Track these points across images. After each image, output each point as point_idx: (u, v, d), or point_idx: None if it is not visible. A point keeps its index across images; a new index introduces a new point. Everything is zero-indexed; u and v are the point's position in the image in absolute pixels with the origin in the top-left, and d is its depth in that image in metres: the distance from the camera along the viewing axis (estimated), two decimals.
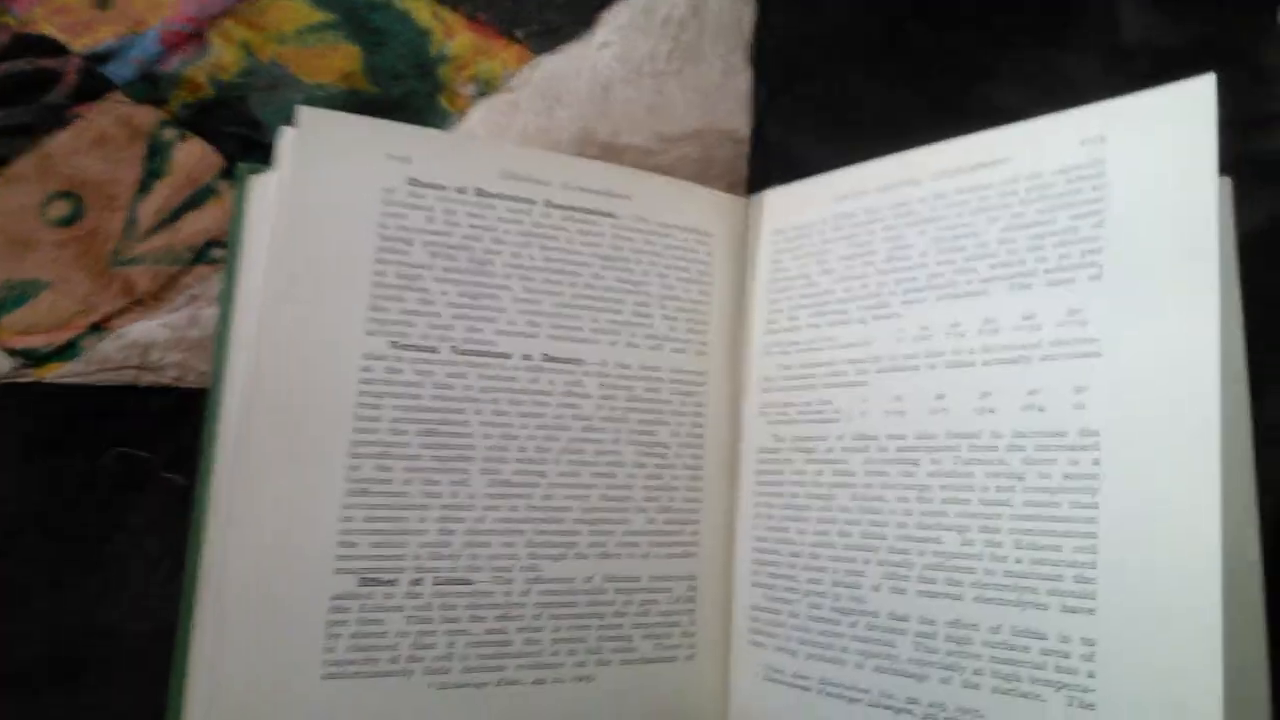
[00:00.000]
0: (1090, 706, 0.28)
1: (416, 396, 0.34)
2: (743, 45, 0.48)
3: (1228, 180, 0.30)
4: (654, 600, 0.36)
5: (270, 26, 0.44)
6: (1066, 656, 0.28)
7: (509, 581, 0.34)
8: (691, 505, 0.37)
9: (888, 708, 0.32)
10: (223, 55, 0.43)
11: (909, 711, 0.32)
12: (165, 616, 0.33)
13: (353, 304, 0.33)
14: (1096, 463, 0.29)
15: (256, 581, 0.31)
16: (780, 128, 0.46)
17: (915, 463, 0.33)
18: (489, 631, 0.33)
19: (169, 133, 0.42)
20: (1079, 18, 0.45)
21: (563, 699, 0.34)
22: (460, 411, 0.34)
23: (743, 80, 0.47)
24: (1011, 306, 0.32)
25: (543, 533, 0.35)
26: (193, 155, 0.42)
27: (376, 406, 0.33)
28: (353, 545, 0.32)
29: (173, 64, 0.43)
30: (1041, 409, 0.30)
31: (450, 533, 0.33)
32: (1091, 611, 0.28)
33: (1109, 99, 0.31)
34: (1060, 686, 0.28)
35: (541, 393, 0.35)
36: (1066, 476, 0.29)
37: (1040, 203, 0.32)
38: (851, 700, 0.33)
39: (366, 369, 0.33)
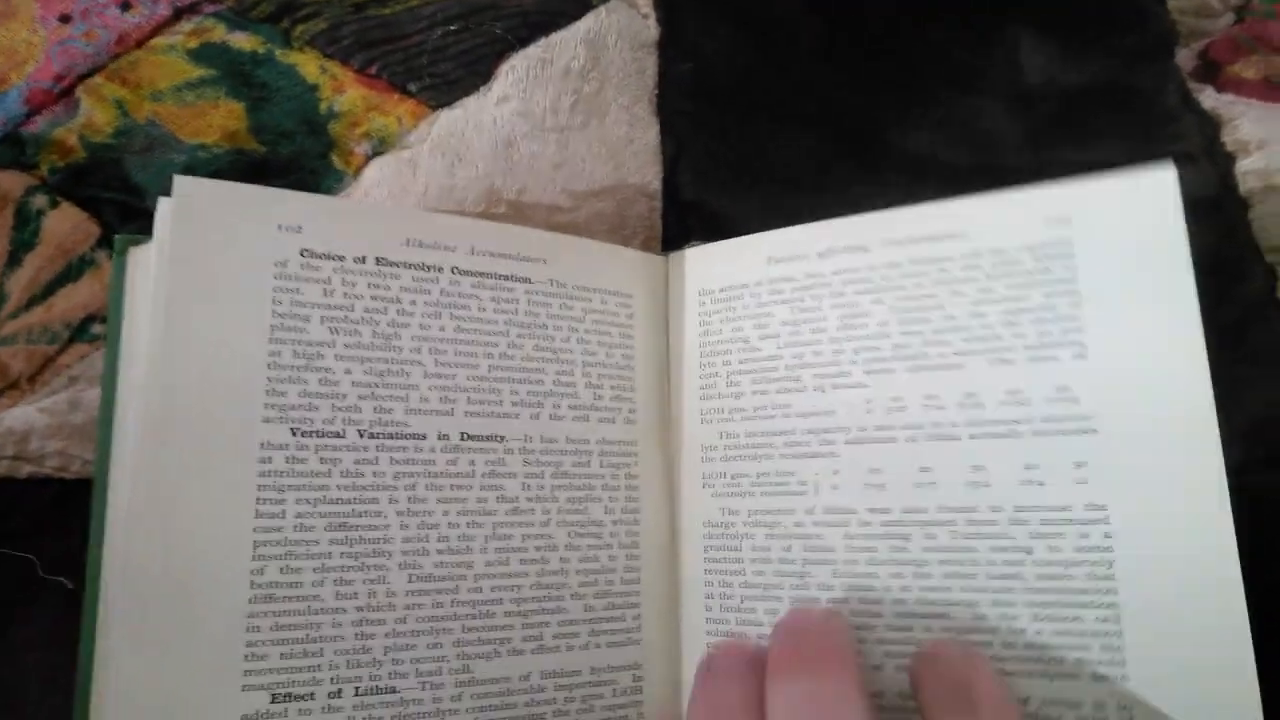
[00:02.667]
0: None
1: (323, 487, 0.31)
2: (647, 96, 0.48)
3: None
4: (598, 694, 0.34)
5: (145, 83, 0.42)
6: None
7: (439, 686, 0.32)
8: (630, 588, 0.36)
9: None
10: (94, 115, 0.41)
11: None
12: None
13: (247, 389, 0.31)
14: (1108, 535, 0.30)
15: (157, 703, 0.28)
16: (692, 181, 0.46)
17: (906, 537, 0.33)
18: None
19: (38, 199, 0.39)
20: (984, 61, 0.47)
21: None
22: (374, 501, 0.32)
23: (650, 133, 0.47)
24: (994, 381, 0.32)
25: (472, 630, 0.33)
26: (65, 224, 0.39)
27: (279, 501, 0.31)
28: (261, 658, 0.30)
29: (39, 125, 0.40)
30: (1041, 484, 0.31)
31: (369, 637, 0.31)
32: (1124, 678, 0.29)
33: (1065, 177, 0.33)
34: None
35: (461, 475, 0.34)
36: (1078, 550, 0.30)
37: (1008, 279, 0.33)
38: None
39: (266, 459, 0.31)
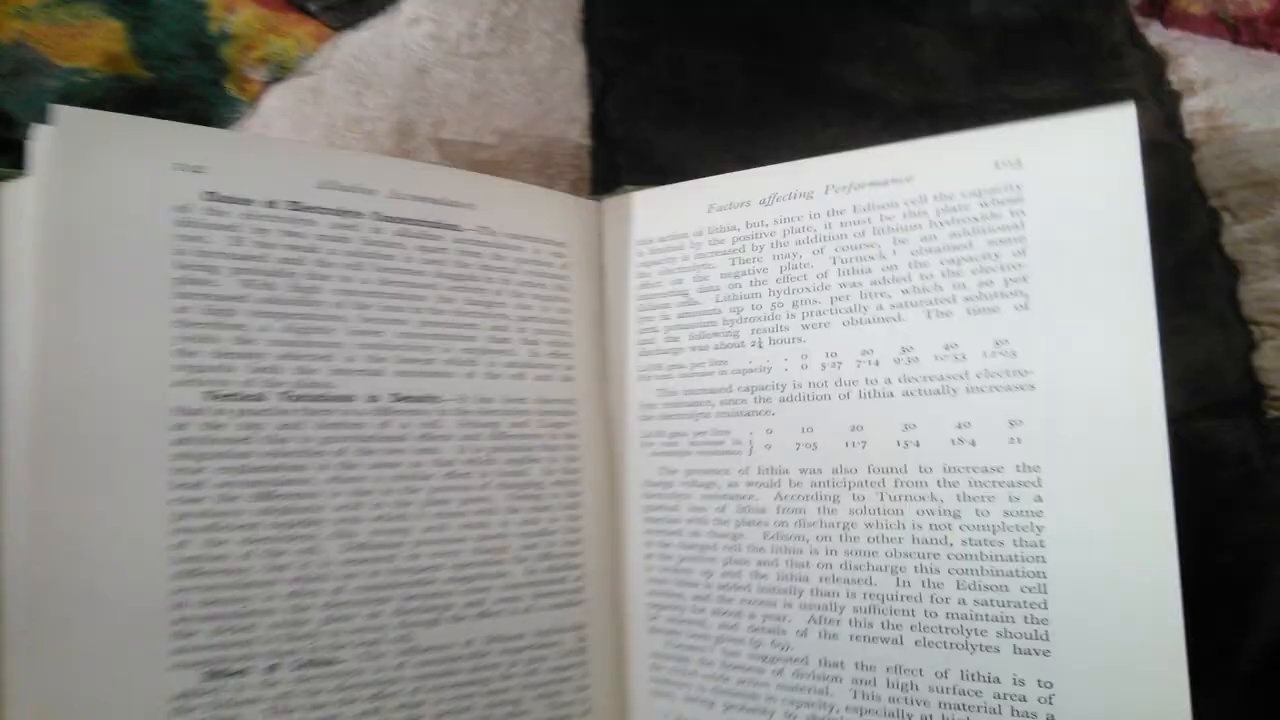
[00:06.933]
0: None
1: (245, 455, 0.31)
2: (573, 21, 0.47)
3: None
4: (542, 657, 0.36)
5: None
6: (1023, 700, 0.30)
7: (379, 656, 0.33)
8: (572, 549, 0.37)
9: None
10: None
11: None
12: None
13: (152, 349, 0.31)
14: (1039, 499, 0.31)
15: (76, 687, 0.28)
16: (622, 115, 0.46)
17: (835, 499, 0.34)
18: (363, 715, 0.32)
19: None
20: None
21: None
22: (300, 468, 0.32)
23: (576, 61, 0.47)
24: (930, 334, 0.33)
25: (412, 597, 0.34)
26: None
27: (198, 470, 0.31)
28: (190, 635, 0.30)
29: None
30: (973, 443, 0.32)
31: (305, 609, 0.32)
32: (1047, 653, 0.30)
33: (1021, 121, 0.33)
34: None
35: (394, 438, 0.34)
36: (1007, 514, 0.31)
37: (953, 225, 0.33)
38: None
39: (180, 426, 0.31)
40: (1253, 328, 0.38)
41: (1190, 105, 0.41)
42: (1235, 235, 0.39)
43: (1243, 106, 0.39)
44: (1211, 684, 0.31)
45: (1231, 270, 0.39)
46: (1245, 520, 0.37)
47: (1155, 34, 0.42)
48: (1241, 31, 0.41)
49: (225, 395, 0.31)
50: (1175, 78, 0.41)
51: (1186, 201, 0.40)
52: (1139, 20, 0.43)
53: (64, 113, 0.30)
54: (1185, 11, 0.42)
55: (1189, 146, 0.40)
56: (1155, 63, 0.42)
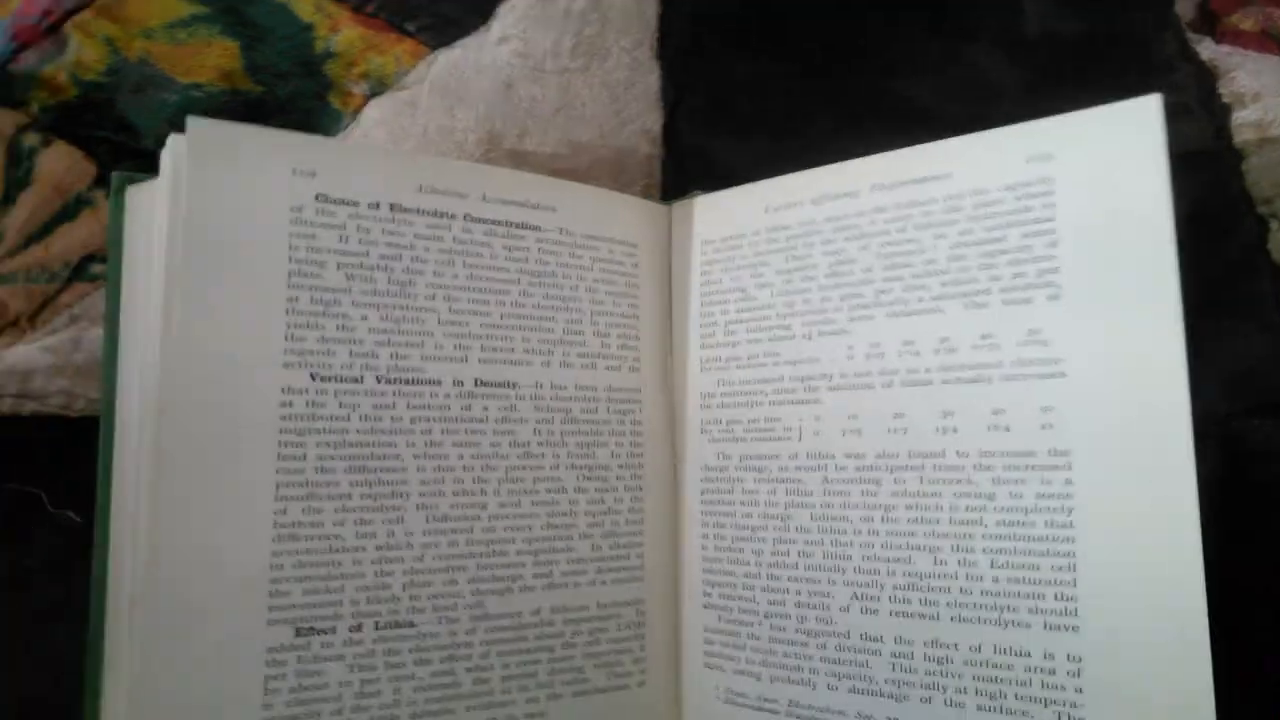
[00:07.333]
0: None
1: (343, 431, 0.35)
2: (649, 39, 0.50)
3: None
4: (603, 628, 0.39)
5: (134, 20, 0.44)
6: (1053, 674, 0.32)
7: (454, 621, 0.36)
8: (634, 528, 0.40)
9: None
10: (84, 52, 0.43)
11: None
12: (68, 680, 0.33)
13: (266, 333, 0.34)
14: (1069, 482, 0.32)
15: (179, 638, 0.31)
16: (692, 127, 0.49)
17: (877, 482, 0.36)
18: (436, 674, 0.35)
19: (30, 138, 0.42)
20: (981, 8, 0.50)
21: None
22: (391, 445, 0.36)
23: (650, 77, 0.50)
24: (968, 325, 0.35)
25: (486, 567, 0.37)
26: (60, 163, 0.42)
27: (300, 444, 0.34)
28: (285, 594, 0.33)
29: (28, 62, 0.42)
30: (1007, 429, 0.34)
31: (389, 574, 0.35)
32: (1076, 629, 0.32)
33: (1053, 116, 0.35)
34: (1049, 703, 0.32)
35: (476, 420, 0.37)
36: (1039, 496, 0.33)
37: (989, 220, 0.35)
38: None
39: (286, 404, 0.34)
40: None
41: (1240, 117, 0.42)
42: None
43: None
44: (1246, 674, 0.32)
45: (1277, 275, 0.40)
46: None
47: (1206, 49, 0.44)
48: None
49: (327, 377, 0.35)
50: (1226, 91, 0.43)
51: (1235, 209, 0.41)
52: (1191, 36, 0.45)
53: (196, 123, 0.34)
54: (1236, 28, 0.44)
55: (1238, 156, 0.42)
56: (1206, 77, 0.43)
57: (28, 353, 0.40)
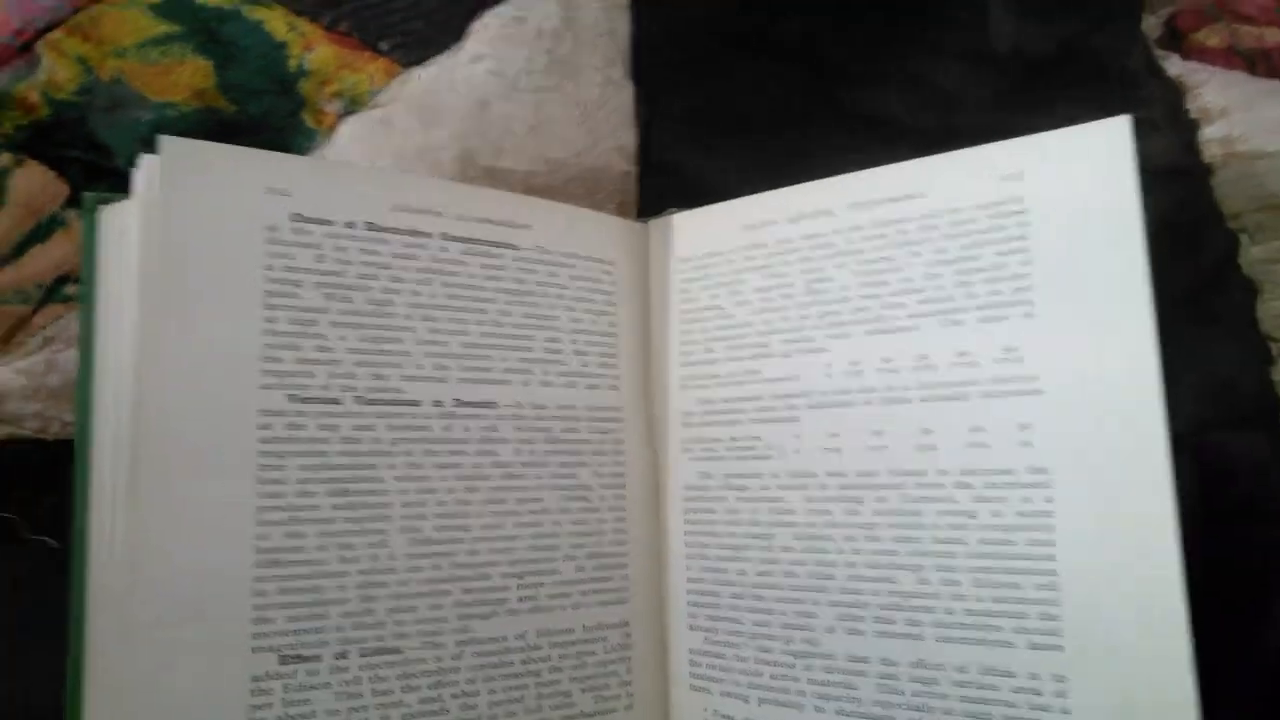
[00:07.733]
0: None
1: (323, 454, 0.34)
2: (621, 57, 0.51)
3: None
4: (590, 651, 0.38)
5: (107, 39, 0.44)
6: (1038, 694, 0.32)
7: (440, 646, 0.35)
8: (619, 549, 0.40)
9: None
10: (56, 71, 0.43)
11: None
12: (48, 706, 0.33)
13: (243, 355, 0.34)
14: (1049, 500, 0.32)
15: (162, 668, 0.31)
16: (667, 144, 0.49)
17: (859, 500, 0.36)
18: (424, 701, 0.35)
19: (3, 158, 0.41)
20: (950, 23, 0.51)
21: None
22: (372, 467, 0.35)
23: (623, 94, 0.50)
24: (945, 343, 0.35)
25: (470, 591, 0.36)
26: (33, 183, 0.41)
27: (280, 467, 0.34)
28: (269, 621, 0.33)
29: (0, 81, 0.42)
30: (986, 446, 0.34)
31: (373, 599, 0.34)
32: (1060, 648, 0.32)
33: (1024, 136, 0.35)
34: None
35: (457, 441, 0.37)
36: (1020, 514, 0.33)
37: (963, 238, 0.36)
38: None
39: (265, 426, 0.34)
40: (1270, 344, 0.40)
41: (1208, 132, 0.43)
42: (1252, 256, 0.41)
43: (1258, 133, 0.42)
44: (1229, 688, 0.33)
45: (1249, 289, 0.41)
46: (1262, 529, 0.39)
47: (1174, 65, 0.45)
48: (1257, 63, 0.43)
49: (306, 399, 0.34)
50: (1193, 106, 0.44)
51: (1205, 223, 0.42)
52: (1158, 52, 0.45)
53: (168, 142, 0.33)
54: (1203, 45, 0.45)
55: (1207, 171, 0.42)
56: (1174, 92, 0.44)
57: (1, 375, 0.39)
